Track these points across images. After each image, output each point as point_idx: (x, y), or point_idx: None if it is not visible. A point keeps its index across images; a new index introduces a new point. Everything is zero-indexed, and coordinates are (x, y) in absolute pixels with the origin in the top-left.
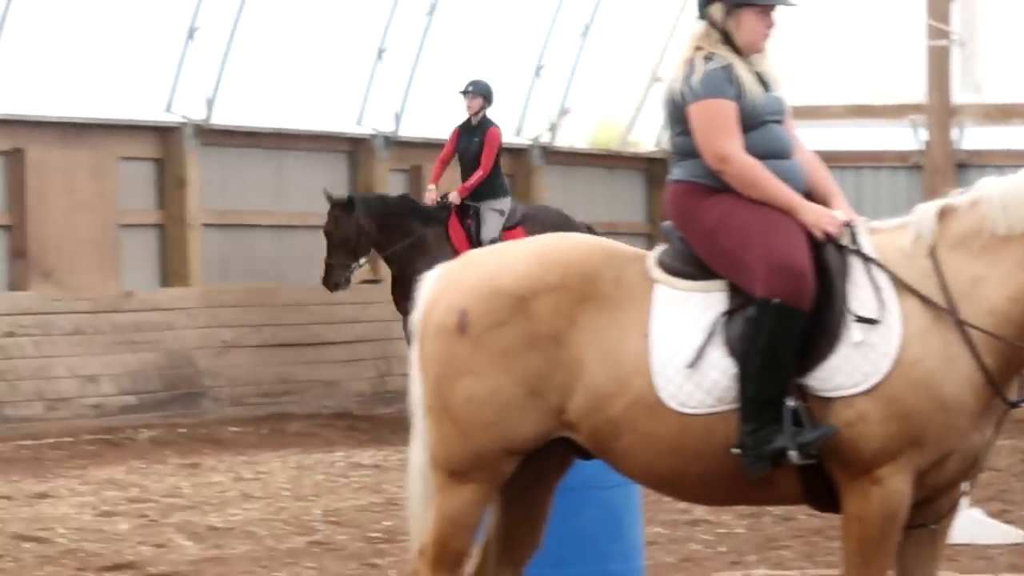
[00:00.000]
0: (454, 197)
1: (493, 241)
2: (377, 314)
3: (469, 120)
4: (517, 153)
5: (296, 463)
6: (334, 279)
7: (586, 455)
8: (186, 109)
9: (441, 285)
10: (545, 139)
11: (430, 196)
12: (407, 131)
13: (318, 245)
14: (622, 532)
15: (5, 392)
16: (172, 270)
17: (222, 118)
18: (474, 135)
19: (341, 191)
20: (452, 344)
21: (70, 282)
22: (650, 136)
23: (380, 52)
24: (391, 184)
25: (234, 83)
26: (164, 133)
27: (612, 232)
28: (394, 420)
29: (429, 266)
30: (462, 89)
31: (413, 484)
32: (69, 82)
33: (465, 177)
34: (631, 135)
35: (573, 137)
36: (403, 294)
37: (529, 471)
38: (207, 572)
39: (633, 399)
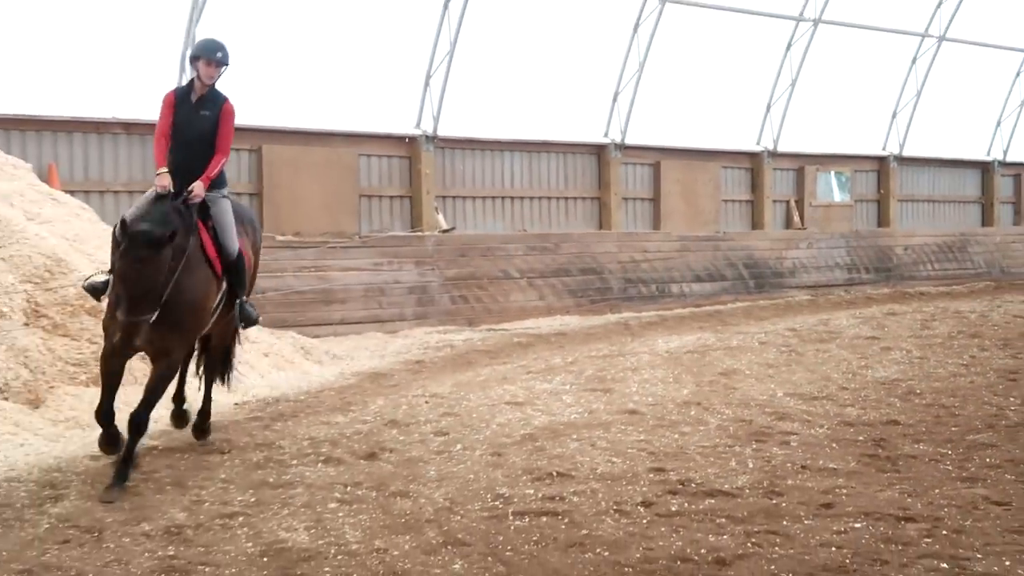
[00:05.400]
0: (199, 189)
1: (236, 252)
2: None
3: (192, 86)
4: None
5: None
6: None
7: None
8: None
9: None
10: None
11: (163, 182)
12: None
13: None
14: None
15: None
16: None
17: None
18: (202, 107)
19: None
20: None
21: None
22: None
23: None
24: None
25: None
26: None
27: None
28: None
29: (195, 287)
30: (206, 55)
31: None
32: None
33: (185, 156)
34: None
35: None
36: (137, 308)
37: None
38: None
39: None
